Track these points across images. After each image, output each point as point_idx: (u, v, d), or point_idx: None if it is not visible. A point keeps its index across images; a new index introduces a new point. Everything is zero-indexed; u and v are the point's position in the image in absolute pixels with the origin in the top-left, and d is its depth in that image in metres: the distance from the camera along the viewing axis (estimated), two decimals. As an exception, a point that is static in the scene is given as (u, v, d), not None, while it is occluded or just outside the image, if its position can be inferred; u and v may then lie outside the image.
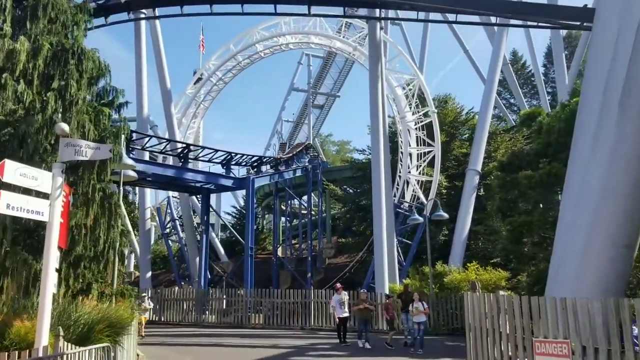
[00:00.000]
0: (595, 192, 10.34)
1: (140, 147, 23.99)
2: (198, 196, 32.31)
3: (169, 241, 37.54)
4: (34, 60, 12.43)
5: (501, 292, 14.54)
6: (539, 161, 18.89)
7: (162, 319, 25.56)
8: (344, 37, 36.04)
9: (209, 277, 37.32)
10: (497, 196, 21.25)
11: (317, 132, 78.84)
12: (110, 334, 9.76)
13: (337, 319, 18.41)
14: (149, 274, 30.44)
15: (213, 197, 70.60)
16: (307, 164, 40.16)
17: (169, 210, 36.28)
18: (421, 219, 23.76)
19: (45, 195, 8.38)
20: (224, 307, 25.03)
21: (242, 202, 55.79)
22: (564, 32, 48.11)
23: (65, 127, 9.08)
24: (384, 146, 25.69)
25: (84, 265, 12.24)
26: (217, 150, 26.48)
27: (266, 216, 60.96)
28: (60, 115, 12.59)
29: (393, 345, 16.50)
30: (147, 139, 24.07)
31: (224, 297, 25.22)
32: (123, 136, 13.93)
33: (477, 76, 52.05)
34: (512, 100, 66.85)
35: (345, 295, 18.62)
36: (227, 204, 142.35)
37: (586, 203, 10.47)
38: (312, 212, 51.64)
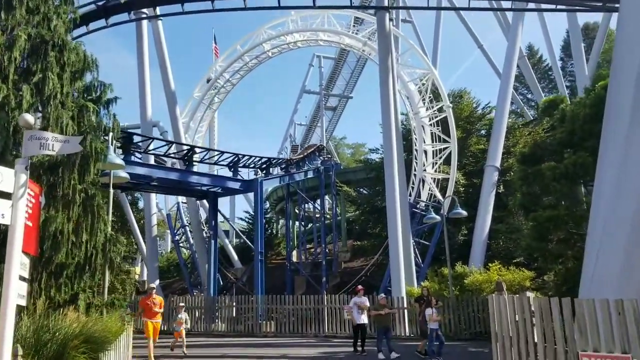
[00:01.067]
0: (638, 178, 9.01)
1: (143, 150, 23.05)
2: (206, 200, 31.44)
3: (180, 248, 36.70)
4: (9, 52, 11.53)
5: (528, 294, 13.21)
6: (563, 151, 17.54)
7: (171, 329, 24.52)
8: (354, 33, 34.88)
9: (221, 284, 36.37)
10: (519, 190, 19.89)
11: (331, 134, 77.71)
12: (86, 350, 8.69)
13: (353, 324, 17.09)
14: (157, 282, 29.47)
15: (226, 202, 70.49)
16: (319, 166, 38.99)
17: (179, 217, 35.40)
18: (438, 218, 22.47)
19: (7, 196, 7.35)
20: (234, 314, 23.93)
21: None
22: (582, 22, 46.51)
23: (29, 118, 7.98)
24: (396, 142, 24.48)
25: (68, 275, 11.23)
26: (223, 152, 25.49)
27: (281, 221, 60.00)
28: (39, 110, 11.68)
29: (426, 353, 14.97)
30: (152, 142, 23.03)
31: (234, 304, 24.11)
32: (112, 134, 12.92)
33: (493, 74, 50.49)
34: (529, 96, 65.16)
35: (365, 300, 17.34)
36: (240, 209, 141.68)
37: (627, 190, 9.13)
38: (327, 215, 50.65)
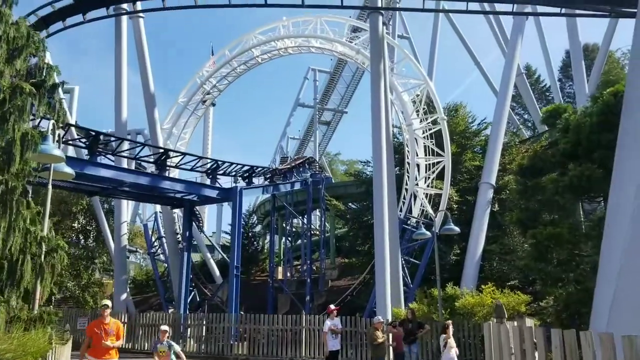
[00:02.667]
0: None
1: (112, 152, 21.31)
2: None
3: (157, 260, 34.80)
4: None
5: (527, 320, 11.45)
6: (566, 163, 15.89)
7: (135, 347, 22.61)
8: (348, 41, 33.44)
9: (197, 300, 34.42)
10: (516, 205, 18.23)
11: (324, 149, 76.30)
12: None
13: (326, 352, 15.38)
14: (124, 295, 27.53)
15: (213, 214, 68.50)
16: (308, 178, 37.28)
17: (156, 227, 33.54)
18: (428, 234, 20.77)
19: None
20: (204, 333, 22.03)
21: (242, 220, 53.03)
22: (582, 41, 45.31)
23: None
24: (387, 153, 22.87)
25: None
26: (201, 158, 23.75)
27: (268, 236, 58.15)
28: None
29: None
30: (121, 143, 21.24)
31: (204, 322, 22.23)
32: (52, 121, 11.20)
33: (491, 95, 49.46)
34: (526, 116, 64.12)
35: (338, 322, 15.64)
36: (228, 222, 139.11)
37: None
38: (315, 231, 48.85)
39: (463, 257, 29.08)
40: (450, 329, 13.31)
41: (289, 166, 35.62)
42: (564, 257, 15.81)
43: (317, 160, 53.39)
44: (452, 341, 12.99)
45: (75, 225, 36.02)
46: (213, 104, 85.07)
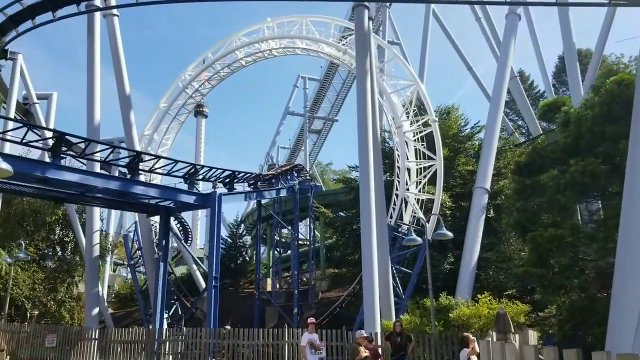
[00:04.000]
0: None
1: (77, 155, 19.80)
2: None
3: (138, 273, 33.19)
4: None
5: (530, 332, 10.03)
6: (567, 159, 14.54)
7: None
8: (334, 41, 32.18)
9: (180, 313, 32.81)
10: (513, 207, 16.85)
11: (315, 158, 75.01)
12: None
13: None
14: (96, 310, 25.76)
15: (203, 225, 66.77)
16: (295, 185, 35.82)
17: (136, 238, 31.97)
18: (419, 240, 19.28)
19: None
20: (181, 349, 20.40)
21: (229, 230, 51.44)
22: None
23: None
24: (374, 154, 21.45)
25: None
26: (177, 161, 22.21)
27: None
28: None
29: None
30: (89, 145, 19.68)
31: (181, 338, 20.60)
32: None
33: (485, 104, 48.42)
34: (520, 122, 63.15)
35: (316, 337, 14.22)
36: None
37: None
38: (304, 241, 47.37)
39: (457, 266, 27.70)
40: (475, 344, 11.37)
41: (274, 172, 34.14)
42: (566, 261, 14.40)
43: (309, 170, 51.97)
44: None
45: (52, 236, 34.37)
46: (205, 116, 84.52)
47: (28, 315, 32.39)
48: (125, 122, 26.11)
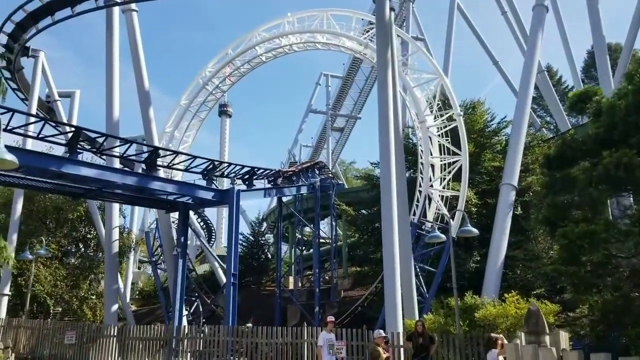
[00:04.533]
0: None
1: (96, 150, 19.59)
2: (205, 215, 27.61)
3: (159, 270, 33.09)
4: None
5: (562, 333, 9.34)
6: (600, 150, 13.72)
7: (125, 364, 20.76)
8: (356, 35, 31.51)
9: (200, 310, 32.61)
10: (542, 204, 16.04)
11: (338, 157, 74.41)
12: None
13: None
14: (115, 307, 25.67)
15: (226, 223, 66.62)
16: (316, 182, 35.32)
17: (157, 235, 31.85)
18: (443, 237, 18.63)
19: None
20: (199, 348, 20.07)
21: (251, 228, 51.22)
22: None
23: None
24: (395, 148, 20.80)
25: None
26: (195, 157, 21.91)
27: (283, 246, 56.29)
28: None
29: None
30: (106, 140, 19.47)
31: (200, 335, 20.28)
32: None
33: (512, 101, 47.36)
34: (547, 119, 61.68)
35: (333, 337, 13.72)
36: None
37: None
38: (325, 239, 46.90)
39: (483, 265, 26.91)
40: (500, 342, 10.67)
41: (294, 169, 33.67)
42: (599, 259, 13.58)
43: (331, 168, 51.44)
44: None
45: (75, 233, 34.47)
46: (229, 115, 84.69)
47: (51, 312, 32.55)
48: (145, 119, 25.94)
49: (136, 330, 21.81)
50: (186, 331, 20.57)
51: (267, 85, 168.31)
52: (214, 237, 53.66)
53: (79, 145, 18.19)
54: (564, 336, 9.61)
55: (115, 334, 21.68)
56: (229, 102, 78.84)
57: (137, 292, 49.27)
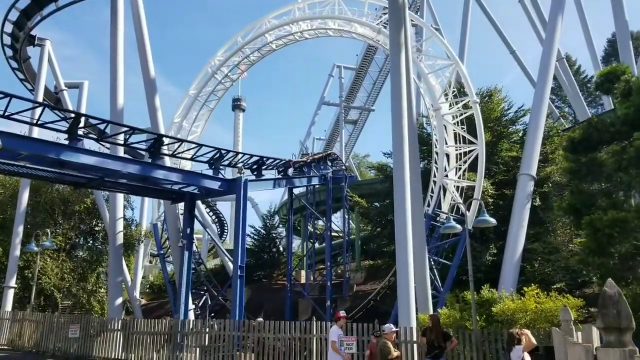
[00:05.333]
0: None
1: (96, 138, 18.93)
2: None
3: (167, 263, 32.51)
4: None
5: (594, 329, 8.39)
6: (630, 132, 12.68)
7: (130, 358, 20.10)
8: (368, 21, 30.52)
9: (209, 303, 31.97)
10: (564, 192, 15.03)
11: (351, 150, 73.43)
12: None
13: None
14: (119, 300, 25.01)
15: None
16: (328, 173, 34.44)
17: (166, 227, 31.19)
18: (459, 227, 17.64)
19: None
20: (205, 342, 19.35)
21: (262, 221, 50.51)
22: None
23: None
24: (409, 135, 19.83)
25: None
26: (201, 146, 21.09)
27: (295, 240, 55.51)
28: None
29: None
30: (107, 127, 18.76)
31: (206, 330, 19.55)
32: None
33: (530, 96, 46.10)
34: (566, 109, 60.21)
35: (341, 333, 12.92)
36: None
37: None
38: (338, 232, 46.05)
39: (500, 258, 25.90)
40: (530, 336, 9.81)
41: (305, 160, 32.79)
42: (629, 249, 12.57)
43: (344, 161, 50.48)
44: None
45: (82, 226, 33.97)
46: (242, 110, 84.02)
47: (60, 305, 32.09)
48: (150, 107, 25.20)
49: (141, 324, 21.14)
50: (191, 325, 19.84)
51: (280, 78, 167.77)
52: (226, 230, 53.06)
53: (80, 133, 17.53)
54: (595, 333, 8.66)
55: (120, 327, 21.06)
56: (242, 97, 78.27)
57: (148, 286, 48.84)
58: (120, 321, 21.46)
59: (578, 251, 14.37)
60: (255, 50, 33.86)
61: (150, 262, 57.98)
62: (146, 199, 40.13)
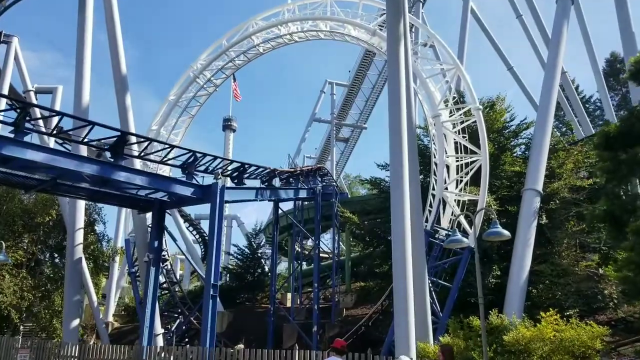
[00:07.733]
0: None
1: (47, 133, 16.37)
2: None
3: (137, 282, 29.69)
4: None
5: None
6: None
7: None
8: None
9: (183, 328, 29.14)
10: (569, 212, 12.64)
11: (342, 169, 71.19)
12: None
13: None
14: (76, 322, 22.17)
15: (230, 233, 62.72)
16: (317, 187, 31.99)
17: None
18: (466, 241, 15.20)
19: None
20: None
21: (247, 239, 47.70)
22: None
23: None
24: (408, 139, 17.54)
25: None
26: (173, 147, 18.52)
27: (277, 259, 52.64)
28: None
29: None
30: (61, 119, 16.14)
31: (171, 357, 16.85)
32: None
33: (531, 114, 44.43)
34: (564, 129, 58.62)
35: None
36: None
37: None
38: (327, 253, 43.47)
39: (504, 280, 23.56)
40: None
41: (293, 170, 30.31)
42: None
43: (336, 180, 48.06)
44: None
45: (48, 241, 31.09)
46: (233, 130, 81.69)
47: (21, 328, 29.07)
48: (120, 105, 22.70)
49: (100, 350, 18.39)
50: (154, 352, 17.12)
51: (271, 96, 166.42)
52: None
53: (28, 126, 15.03)
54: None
55: (76, 354, 18.32)
56: (233, 117, 76.01)
57: (123, 308, 45.65)
58: (75, 346, 18.71)
59: (619, 266, 11.81)
60: (241, 54, 31.58)
61: (129, 282, 54.83)
62: (122, 213, 37.20)
